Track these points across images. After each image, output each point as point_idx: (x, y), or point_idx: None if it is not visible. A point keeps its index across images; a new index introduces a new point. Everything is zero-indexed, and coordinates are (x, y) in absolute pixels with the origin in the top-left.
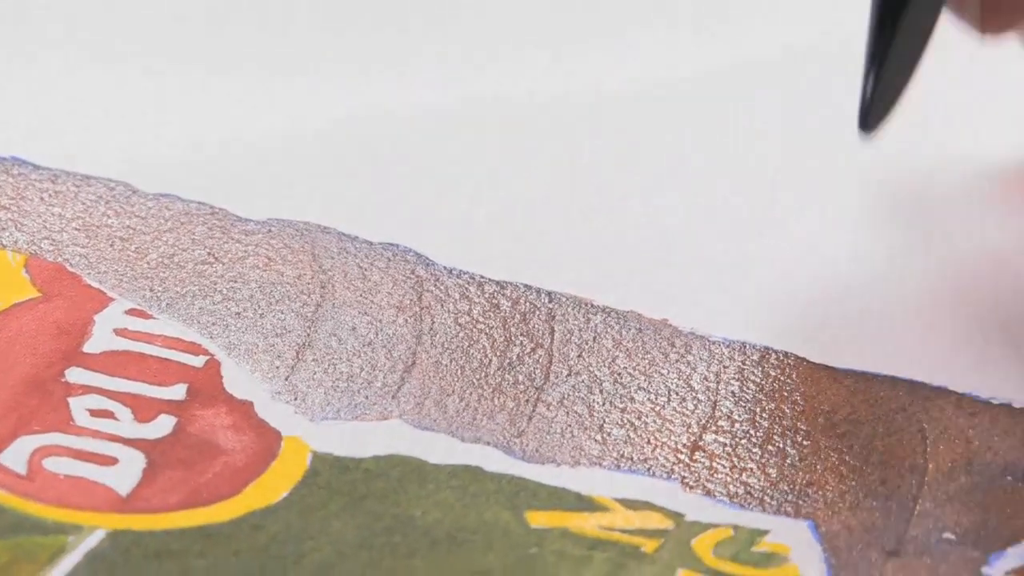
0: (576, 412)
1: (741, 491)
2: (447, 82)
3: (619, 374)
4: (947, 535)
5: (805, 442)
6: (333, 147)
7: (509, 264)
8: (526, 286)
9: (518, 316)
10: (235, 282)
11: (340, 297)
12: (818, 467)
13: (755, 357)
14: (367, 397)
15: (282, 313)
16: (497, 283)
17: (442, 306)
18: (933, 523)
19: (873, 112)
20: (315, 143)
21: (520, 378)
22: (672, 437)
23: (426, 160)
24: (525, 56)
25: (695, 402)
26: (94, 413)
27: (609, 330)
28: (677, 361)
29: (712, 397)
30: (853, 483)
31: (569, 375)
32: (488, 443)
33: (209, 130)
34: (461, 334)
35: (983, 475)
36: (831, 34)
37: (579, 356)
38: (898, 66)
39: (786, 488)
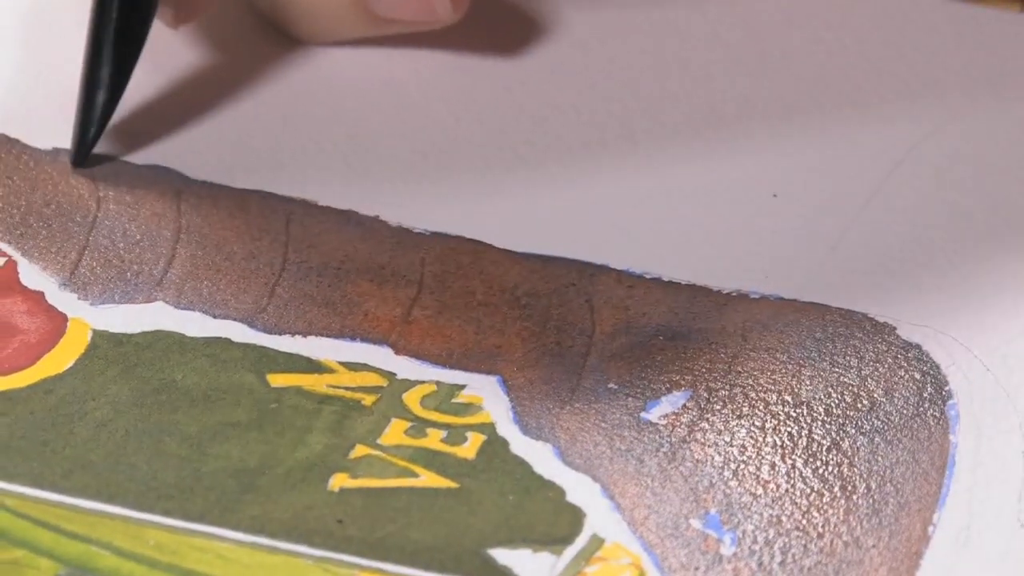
0: (306, 292)
1: (443, 353)
2: None
3: (342, 261)
4: (612, 386)
5: (494, 313)
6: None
7: (250, 176)
8: (268, 193)
9: (260, 217)
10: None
11: (113, 208)
12: (505, 332)
13: (452, 245)
14: (136, 286)
15: (67, 222)
16: (239, 191)
17: (196, 211)
18: (600, 376)
19: (84, 146)
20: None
21: (261, 266)
22: (387, 311)
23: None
24: None
25: (406, 283)
26: None
27: (335, 227)
28: (391, 250)
29: (418, 279)
30: (533, 345)
31: (302, 263)
32: (235, 319)
33: None
34: (212, 233)
35: (639, 336)
36: None
37: (309, 247)
38: (113, 91)
39: (479, 350)
